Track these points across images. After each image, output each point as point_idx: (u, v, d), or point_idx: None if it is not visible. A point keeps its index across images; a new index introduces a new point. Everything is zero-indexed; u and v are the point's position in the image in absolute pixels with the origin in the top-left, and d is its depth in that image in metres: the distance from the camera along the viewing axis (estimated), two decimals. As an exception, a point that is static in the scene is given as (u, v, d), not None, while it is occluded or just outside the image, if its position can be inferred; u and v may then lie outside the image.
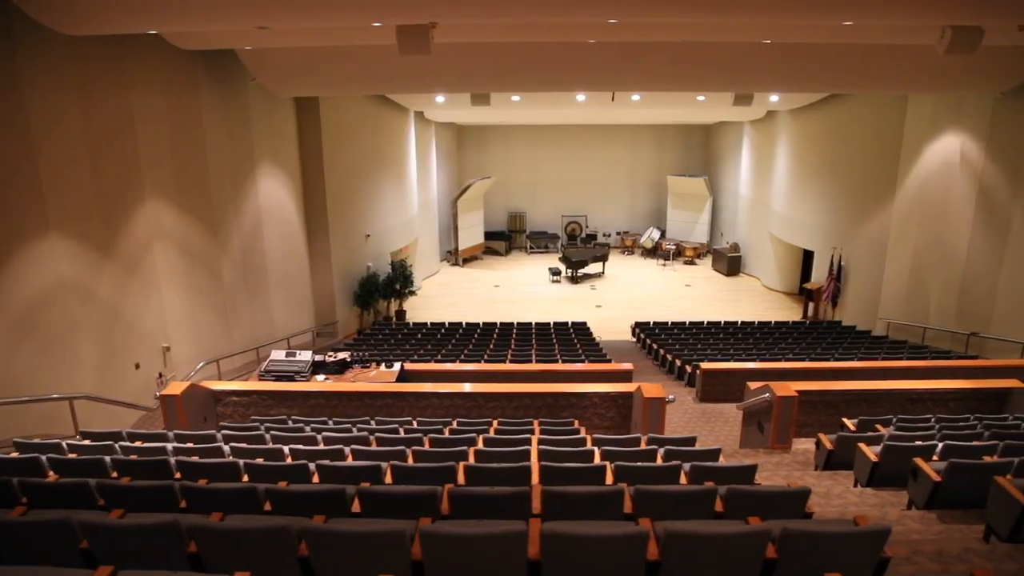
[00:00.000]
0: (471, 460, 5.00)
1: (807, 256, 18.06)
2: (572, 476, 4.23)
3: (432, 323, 15.42)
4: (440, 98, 16.08)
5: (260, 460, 4.64)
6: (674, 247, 22.79)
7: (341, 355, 9.67)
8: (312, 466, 4.44)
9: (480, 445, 5.58)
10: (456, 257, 22.33)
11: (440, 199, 22.47)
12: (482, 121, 23.37)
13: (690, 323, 15.08)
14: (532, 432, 6.29)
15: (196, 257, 10.78)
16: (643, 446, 5.46)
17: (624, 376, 9.49)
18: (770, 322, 15.20)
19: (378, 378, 9.24)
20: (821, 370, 9.62)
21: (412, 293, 17.41)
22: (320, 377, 9.30)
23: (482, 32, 8.66)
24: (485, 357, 11.54)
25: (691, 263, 22.84)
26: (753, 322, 15.09)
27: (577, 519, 3.27)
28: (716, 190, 23.75)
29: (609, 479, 4.22)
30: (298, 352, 9.70)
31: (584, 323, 15.02)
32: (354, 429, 6.39)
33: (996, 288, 11.40)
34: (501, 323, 14.92)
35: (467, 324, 14.91)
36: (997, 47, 9.80)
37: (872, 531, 2.62)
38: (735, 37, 9.20)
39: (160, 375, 9.97)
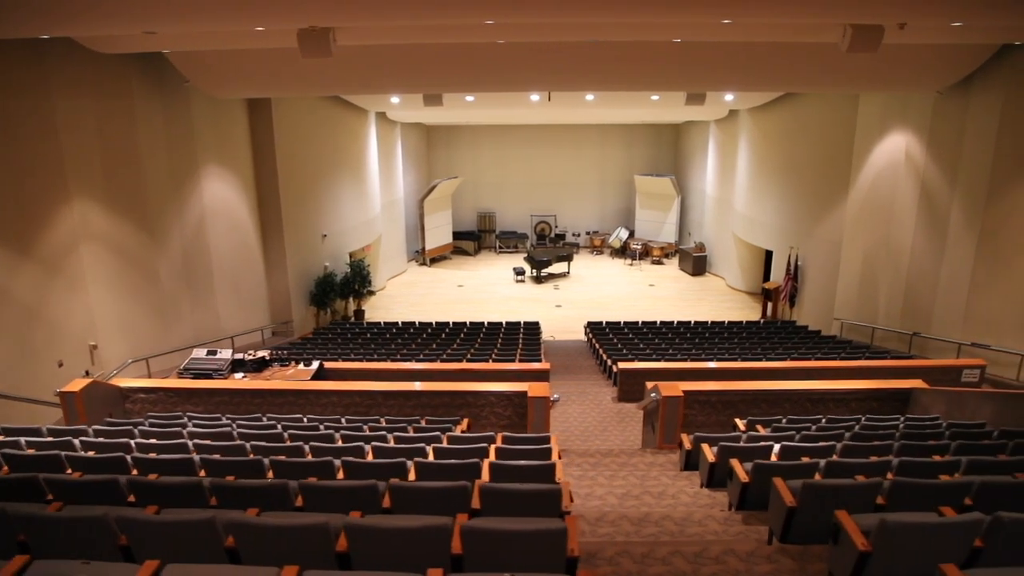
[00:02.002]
0: (308, 456, 5.07)
1: (769, 256, 17.98)
2: (377, 470, 4.28)
3: (385, 323, 15.51)
4: (395, 99, 16.13)
5: (91, 453, 4.72)
6: (641, 247, 22.73)
7: (260, 353, 9.78)
8: (130, 458, 4.51)
9: (338, 443, 5.65)
10: (423, 257, 22.40)
11: (408, 199, 22.52)
12: (449, 121, 23.39)
13: (643, 323, 15.04)
14: (405, 431, 6.35)
15: (129, 257, 10.88)
16: (497, 444, 5.50)
17: (540, 375, 9.51)
18: (723, 322, 15.15)
19: (295, 376, 9.33)
20: (737, 370, 9.61)
21: (371, 293, 17.49)
22: (239, 375, 9.41)
23: (414, 33, 8.56)
24: (420, 356, 11.61)
25: (659, 263, 22.80)
26: (707, 322, 15.03)
27: (332, 511, 3.31)
28: (685, 190, 23.66)
29: (412, 476, 4.27)
30: (219, 350, 9.81)
31: (536, 323, 15.05)
32: (233, 426, 6.48)
33: (937, 288, 11.34)
34: (454, 323, 14.99)
35: (419, 324, 14.97)
36: (931, 45, 9.71)
37: (548, 530, 2.65)
38: (649, 36, 9.16)
39: (87, 373, 10.08)
